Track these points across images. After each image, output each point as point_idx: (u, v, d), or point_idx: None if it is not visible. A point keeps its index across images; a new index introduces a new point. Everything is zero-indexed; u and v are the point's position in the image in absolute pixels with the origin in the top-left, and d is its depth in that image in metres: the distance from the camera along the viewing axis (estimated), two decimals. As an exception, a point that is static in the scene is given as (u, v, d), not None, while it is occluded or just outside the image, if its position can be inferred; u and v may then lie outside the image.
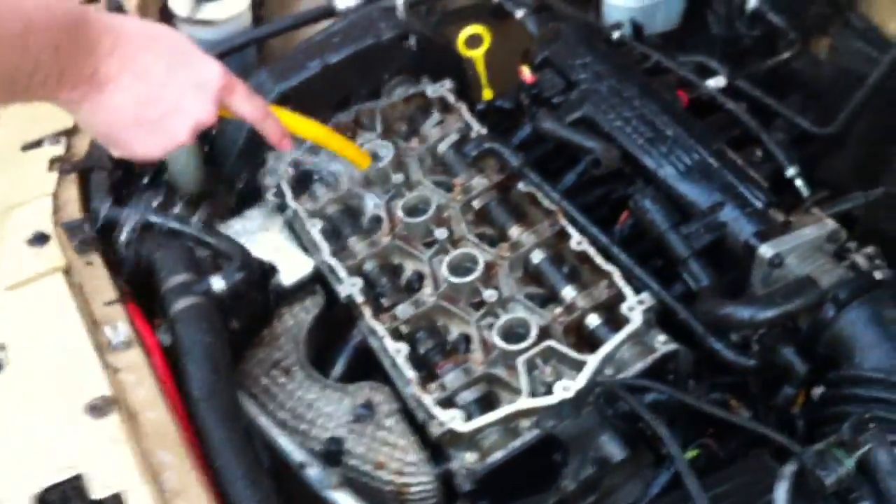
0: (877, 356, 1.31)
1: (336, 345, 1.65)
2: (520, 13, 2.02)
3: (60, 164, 1.73)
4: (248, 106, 1.27)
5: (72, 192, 1.69)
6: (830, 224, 1.47)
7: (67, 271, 1.52)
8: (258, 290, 1.64)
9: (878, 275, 1.38)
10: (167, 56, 1.17)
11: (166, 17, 2.11)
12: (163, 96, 1.17)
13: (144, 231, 1.66)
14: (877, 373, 1.29)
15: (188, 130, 1.20)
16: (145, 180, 1.83)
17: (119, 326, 1.44)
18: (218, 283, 1.54)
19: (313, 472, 1.43)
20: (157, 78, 1.16)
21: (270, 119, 1.32)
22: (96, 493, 1.19)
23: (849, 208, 1.53)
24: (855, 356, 1.32)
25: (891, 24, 1.78)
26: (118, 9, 2.01)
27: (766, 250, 1.44)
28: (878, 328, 1.32)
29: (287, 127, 1.36)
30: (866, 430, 1.18)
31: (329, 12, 2.06)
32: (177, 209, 1.77)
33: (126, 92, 1.14)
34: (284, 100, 1.78)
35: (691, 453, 1.34)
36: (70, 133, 1.79)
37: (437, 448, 1.44)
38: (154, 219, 1.66)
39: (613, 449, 1.45)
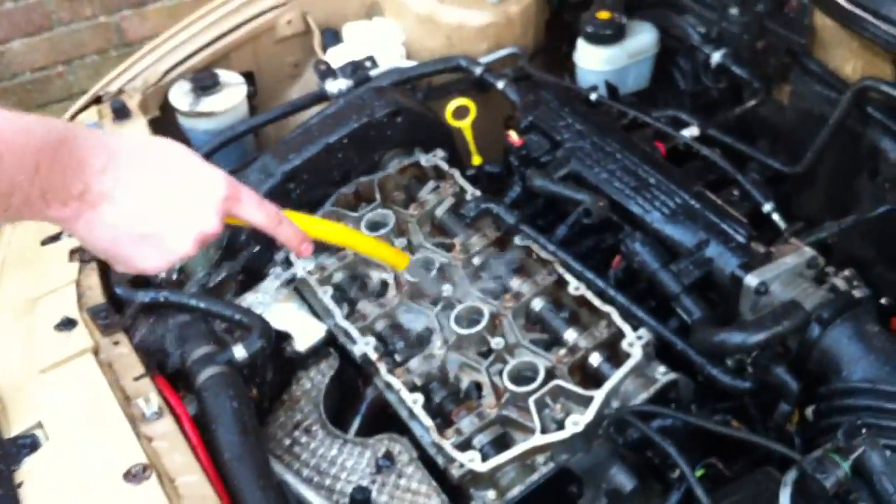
0: (862, 368, 1.40)
1: (352, 404, 1.72)
2: (501, 84, 2.13)
3: (80, 254, 1.80)
4: (258, 214, 1.24)
5: (93, 280, 1.75)
6: (808, 252, 1.56)
7: (96, 352, 1.58)
8: (274, 359, 1.69)
9: (856, 293, 1.47)
10: (166, 170, 1.15)
11: (167, 110, 2.21)
12: (162, 211, 1.14)
13: (161, 310, 1.74)
14: (864, 383, 1.38)
15: (191, 244, 1.17)
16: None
17: (151, 398, 1.49)
18: (240, 352, 1.59)
19: (342, 521, 1.48)
20: (156, 193, 1.13)
21: (284, 225, 1.28)
22: (143, 555, 1.23)
23: (824, 237, 1.63)
24: (842, 370, 1.41)
25: (845, 67, 1.89)
26: (121, 108, 2.12)
27: (751, 280, 1.53)
28: (861, 342, 1.41)
29: (310, 233, 1.32)
30: (859, 435, 1.26)
31: (322, 97, 2.18)
32: (192, 290, 1.86)
33: (122, 209, 1.11)
34: (289, 180, 1.89)
35: (699, 472, 1.40)
36: (86, 225, 1.87)
37: (456, 492, 1.50)
38: (172, 298, 1.74)
39: (623, 479, 1.52)
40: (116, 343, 1.63)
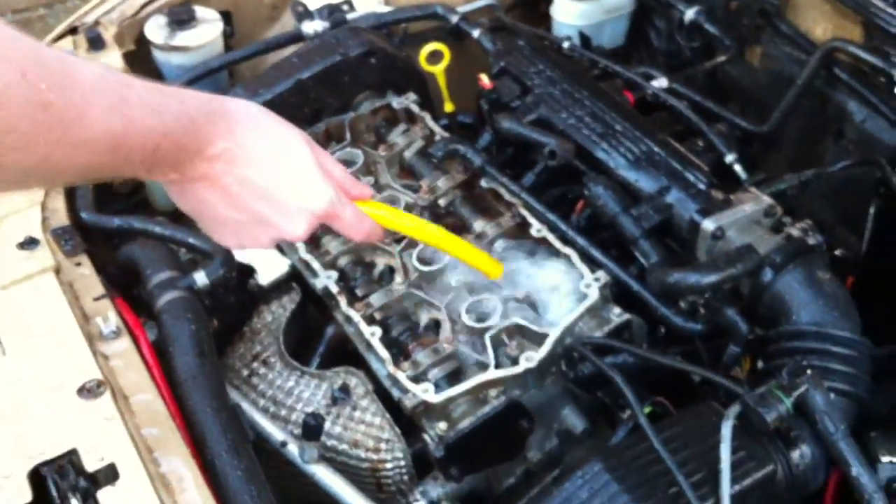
0: (811, 312, 1.42)
1: (313, 341, 1.73)
2: (476, 32, 2.13)
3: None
4: (353, 232, 1.22)
5: (59, 203, 1.75)
6: (766, 200, 1.58)
7: (58, 271, 1.59)
8: (236, 291, 1.70)
9: (810, 241, 1.49)
10: (279, 172, 1.12)
11: (143, 43, 2.20)
12: (255, 206, 1.12)
13: (127, 237, 1.75)
14: (812, 326, 1.40)
15: (270, 241, 1.17)
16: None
17: (109, 317, 1.49)
18: (201, 279, 1.60)
19: (294, 448, 1.49)
20: (257, 189, 1.11)
21: (371, 234, 1.26)
22: (91, 466, 1.24)
23: (783, 188, 1.64)
24: (792, 314, 1.43)
25: (816, 29, 1.91)
26: (97, 39, 2.11)
27: (708, 224, 1.55)
28: (812, 287, 1.44)
29: (411, 234, 1.34)
30: (803, 374, 1.29)
31: (297, 37, 2.16)
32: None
33: (219, 192, 1.09)
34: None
35: (646, 409, 1.41)
36: (54, 150, 1.87)
37: (410, 427, 1.51)
38: (138, 224, 1.74)
39: (575, 420, 1.55)
40: (78, 264, 1.63)
